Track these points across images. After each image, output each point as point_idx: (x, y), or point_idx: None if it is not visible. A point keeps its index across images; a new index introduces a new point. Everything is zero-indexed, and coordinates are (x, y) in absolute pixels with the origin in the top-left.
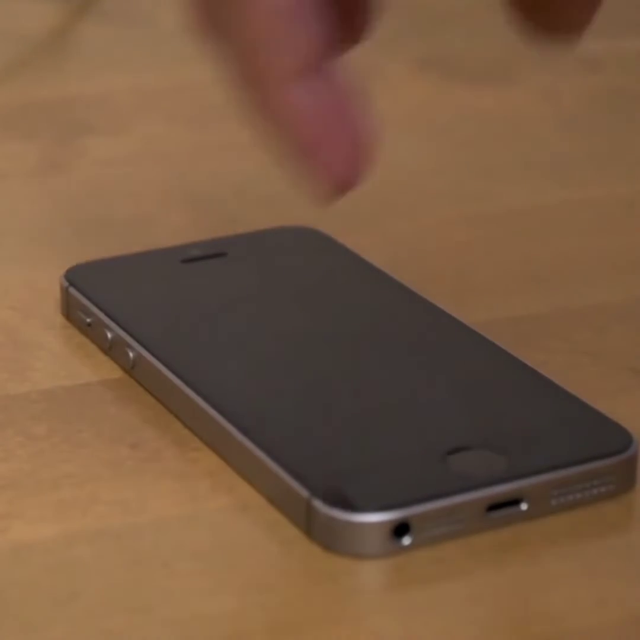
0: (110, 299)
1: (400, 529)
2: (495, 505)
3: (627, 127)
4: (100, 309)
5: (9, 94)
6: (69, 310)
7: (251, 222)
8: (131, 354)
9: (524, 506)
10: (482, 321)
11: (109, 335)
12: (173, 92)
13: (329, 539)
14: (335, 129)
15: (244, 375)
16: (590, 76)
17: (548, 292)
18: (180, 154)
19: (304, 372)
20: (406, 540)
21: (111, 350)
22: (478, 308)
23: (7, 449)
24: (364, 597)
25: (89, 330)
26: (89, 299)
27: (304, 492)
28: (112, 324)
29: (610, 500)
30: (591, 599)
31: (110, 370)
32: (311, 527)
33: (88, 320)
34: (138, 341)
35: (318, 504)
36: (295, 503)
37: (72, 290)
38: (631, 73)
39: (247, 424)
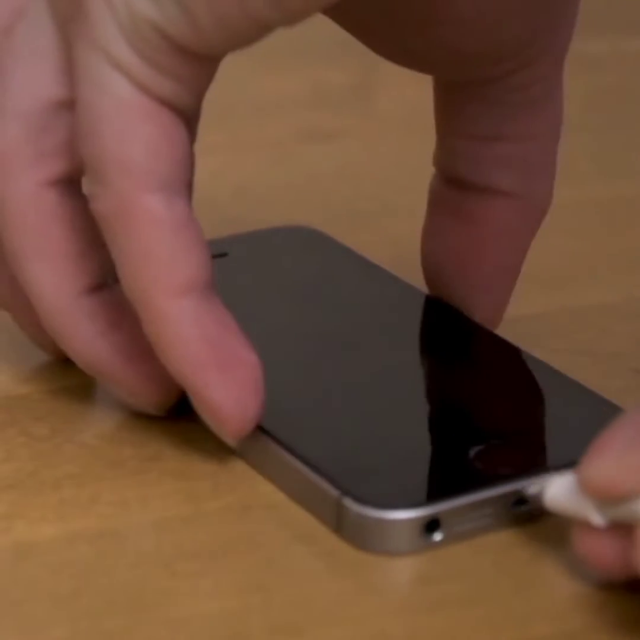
0: None
1: (431, 525)
2: (523, 500)
3: (627, 127)
4: None
5: None
6: None
7: (251, 222)
8: None
9: None
10: None
11: None
12: None
13: (360, 537)
14: (223, 352)
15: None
16: (590, 76)
17: (548, 292)
18: None
19: (320, 371)
20: (437, 536)
21: None
22: None
23: (9, 449)
24: (364, 598)
25: None
26: None
27: (333, 491)
28: None
29: None
30: (592, 600)
31: None
32: (342, 526)
33: None
34: None
35: (348, 502)
36: (325, 502)
37: None
38: (631, 73)
39: (271, 425)
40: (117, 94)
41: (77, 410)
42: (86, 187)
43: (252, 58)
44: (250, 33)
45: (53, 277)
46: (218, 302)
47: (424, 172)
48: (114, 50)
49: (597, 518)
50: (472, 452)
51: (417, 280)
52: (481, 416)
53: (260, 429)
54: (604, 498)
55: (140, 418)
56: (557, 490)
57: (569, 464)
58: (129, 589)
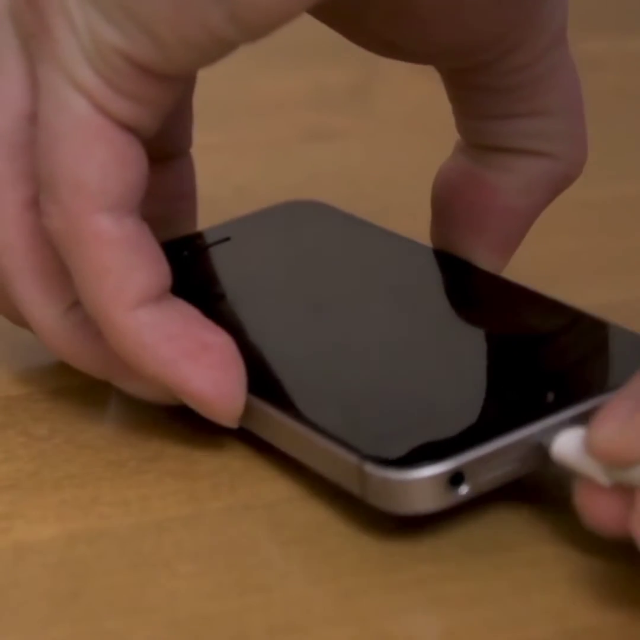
0: None
1: (455, 478)
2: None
3: (627, 127)
4: None
5: None
6: None
7: None
8: None
9: None
10: None
11: None
12: None
13: (386, 501)
14: (189, 344)
15: (272, 350)
16: (590, 76)
17: (549, 292)
18: None
19: (333, 336)
20: (463, 490)
21: None
22: None
23: (9, 449)
24: (364, 598)
25: None
26: None
27: (352, 458)
28: None
29: None
30: (592, 600)
31: None
32: (366, 491)
33: None
34: None
35: (369, 467)
36: (347, 470)
37: None
38: (631, 73)
39: (283, 399)
40: (75, 113)
41: (77, 410)
42: (41, 204)
43: (252, 58)
44: (215, 51)
45: (40, 296)
46: (175, 300)
47: (424, 173)
48: (76, 71)
49: (602, 478)
50: (489, 397)
51: None
52: (496, 361)
53: (274, 404)
54: (609, 463)
55: (140, 418)
56: (565, 444)
57: (592, 394)
58: (129, 590)
